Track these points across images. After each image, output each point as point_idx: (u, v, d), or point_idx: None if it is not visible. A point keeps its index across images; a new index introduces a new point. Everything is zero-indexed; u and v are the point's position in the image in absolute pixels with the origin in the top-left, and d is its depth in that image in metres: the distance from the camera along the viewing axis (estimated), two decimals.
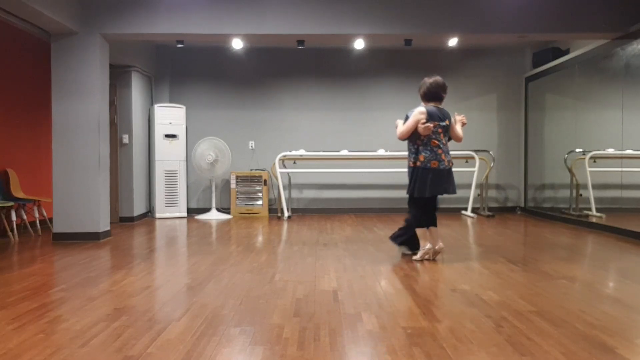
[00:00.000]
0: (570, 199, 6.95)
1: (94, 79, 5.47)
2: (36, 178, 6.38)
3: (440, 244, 4.29)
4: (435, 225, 4.29)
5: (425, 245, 4.24)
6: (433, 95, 4.20)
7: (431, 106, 4.18)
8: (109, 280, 3.62)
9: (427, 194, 4.14)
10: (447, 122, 4.19)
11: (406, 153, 7.63)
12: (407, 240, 4.44)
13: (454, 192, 4.24)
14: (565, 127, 7.08)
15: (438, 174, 4.11)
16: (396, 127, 4.32)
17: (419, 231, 4.27)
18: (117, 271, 3.92)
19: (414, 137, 4.19)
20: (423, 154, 4.13)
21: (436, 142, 4.13)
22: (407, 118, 4.33)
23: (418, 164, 4.14)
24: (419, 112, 4.12)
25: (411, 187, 4.22)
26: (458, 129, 4.32)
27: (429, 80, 4.23)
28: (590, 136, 6.53)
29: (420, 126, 4.07)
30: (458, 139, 4.33)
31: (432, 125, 4.06)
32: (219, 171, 7.78)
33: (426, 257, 4.25)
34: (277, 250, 4.83)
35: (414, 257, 4.30)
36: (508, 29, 5.58)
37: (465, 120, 4.35)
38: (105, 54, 5.65)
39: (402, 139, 4.25)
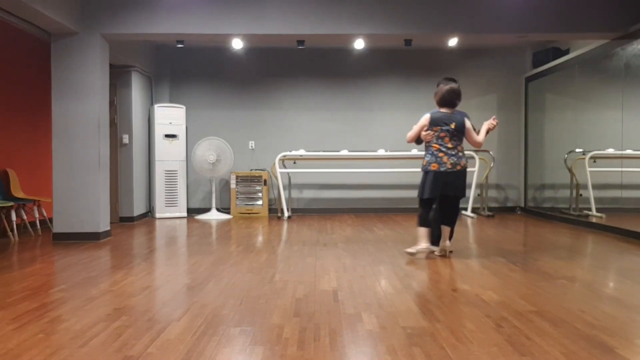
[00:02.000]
0: (570, 199, 6.95)
1: (94, 79, 5.47)
2: (36, 178, 6.38)
3: (447, 243, 4.40)
4: (447, 224, 4.39)
5: (421, 244, 4.35)
6: (446, 102, 4.30)
7: (438, 111, 4.31)
8: (109, 280, 3.62)
9: (424, 196, 4.30)
10: (453, 126, 4.24)
11: (404, 153, 7.78)
12: (435, 240, 4.47)
13: (457, 194, 4.31)
14: (565, 127, 7.08)
15: (437, 177, 4.24)
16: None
17: (420, 229, 4.38)
18: (117, 271, 3.92)
19: (423, 142, 4.41)
20: (426, 157, 4.34)
21: (437, 146, 4.26)
22: None
23: (424, 166, 4.35)
24: (424, 118, 4.33)
25: (419, 188, 4.43)
26: (479, 134, 4.33)
27: (445, 88, 4.29)
28: (590, 136, 6.53)
29: (423, 133, 4.30)
30: (475, 144, 4.34)
31: (432, 132, 4.25)
32: (222, 171, 7.78)
33: (415, 254, 4.41)
34: (277, 250, 4.83)
35: (407, 249, 4.47)
36: (508, 29, 5.58)
37: (493, 123, 4.33)
38: (105, 54, 5.65)
39: (409, 142, 4.49)
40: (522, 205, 8.38)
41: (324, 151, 8.02)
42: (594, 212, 6.35)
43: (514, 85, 8.38)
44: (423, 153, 4.42)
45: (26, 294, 3.22)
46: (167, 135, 7.75)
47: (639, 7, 5.50)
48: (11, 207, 5.51)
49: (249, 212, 7.95)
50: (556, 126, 7.39)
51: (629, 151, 5.72)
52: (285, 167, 7.98)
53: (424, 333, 2.47)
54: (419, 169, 8.21)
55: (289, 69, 8.36)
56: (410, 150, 7.88)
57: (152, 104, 8.00)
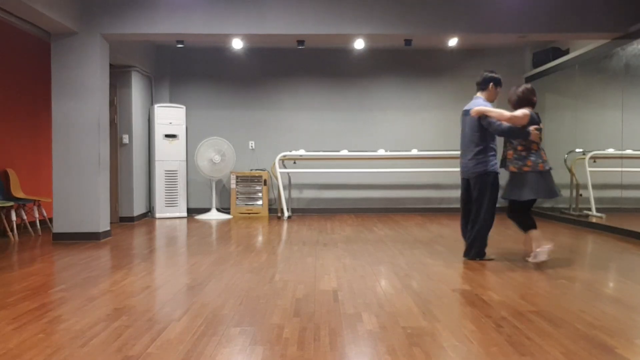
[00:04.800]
0: (570, 199, 6.95)
1: (94, 79, 5.47)
2: (36, 178, 6.38)
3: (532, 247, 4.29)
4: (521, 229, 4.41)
5: (543, 246, 4.23)
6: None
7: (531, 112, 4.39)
8: (109, 280, 3.62)
9: (539, 196, 4.25)
10: (542, 126, 4.35)
11: (404, 153, 7.77)
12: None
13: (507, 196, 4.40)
14: (565, 127, 7.08)
15: (545, 176, 4.18)
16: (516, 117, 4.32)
17: (534, 232, 4.30)
18: (117, 271, 3.92)
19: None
20: (531, 158, 4.22)
21: (536, 146, 4.29)
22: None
23: (529, 165, 4.22)
24: (525, 112, 4.35)
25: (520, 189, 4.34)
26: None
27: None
28: (590, 136, 6.53)
29: (535, 131, 4.24)
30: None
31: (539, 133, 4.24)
32: (225, 171, 7.78)
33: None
34: (277, 250, 4.83)
35: (533, 260, 4.23)
36: (508, 29, 5.57)
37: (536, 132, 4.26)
38: (105, 54, 5.65)
39: (517, 123, 4.39)
40: None
41: (324, 151, 8.02)
42: (594, 212, 6.35)
43: (514, 85, 8.36)
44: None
45: (26, 294, 3.22)
46: (167, 135, 7.75)
47: (639, 7, 5.50)
48: (11, 207, 5.51)
49: (249, 212, 7.95)
50: (556, 126, 7.38)
51: (629, 151, 5.71)
52: (285, 167, 7.98)
53: (424, 333, 2.47)
54: (418, 169, 8.13)
55: (289, 69, 8.36)
56: (410, 151, 7.87)
57: (152, 104, 8.00)
